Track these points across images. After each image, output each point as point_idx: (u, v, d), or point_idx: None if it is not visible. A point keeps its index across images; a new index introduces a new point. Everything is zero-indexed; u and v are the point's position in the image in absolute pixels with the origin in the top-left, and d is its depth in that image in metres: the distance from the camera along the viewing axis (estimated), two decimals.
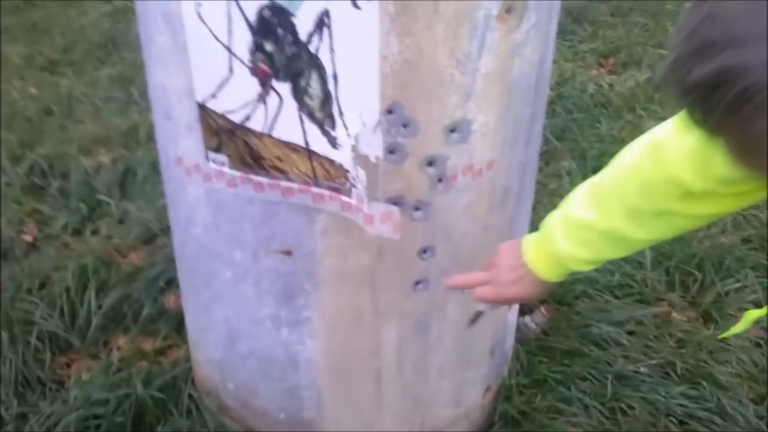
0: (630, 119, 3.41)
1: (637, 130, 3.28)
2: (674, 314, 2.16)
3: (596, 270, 2.28)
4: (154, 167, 2.82)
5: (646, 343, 1.99)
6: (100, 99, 3.46)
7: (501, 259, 1.21)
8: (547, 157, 3.00)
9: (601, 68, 4.14)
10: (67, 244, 2.36)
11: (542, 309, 1.97)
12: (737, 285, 2.25)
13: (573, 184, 2.86)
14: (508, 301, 1.24)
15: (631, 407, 1.79)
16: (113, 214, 2.49)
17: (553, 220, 1.15)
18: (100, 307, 2.03)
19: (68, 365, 1.94)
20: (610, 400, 1.79)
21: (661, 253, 2.39)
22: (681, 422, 1.75)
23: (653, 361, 1.92)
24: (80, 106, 3.41)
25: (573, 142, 3.15)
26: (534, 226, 1.25)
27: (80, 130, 3.12)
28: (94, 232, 2.42)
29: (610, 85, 3.79)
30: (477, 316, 1.33)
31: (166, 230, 2.40)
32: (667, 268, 2.33)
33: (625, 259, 2.37)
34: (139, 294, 2.08)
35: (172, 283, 2.11)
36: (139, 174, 2.73)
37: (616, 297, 2.20)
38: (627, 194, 1.05)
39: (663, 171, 0.98)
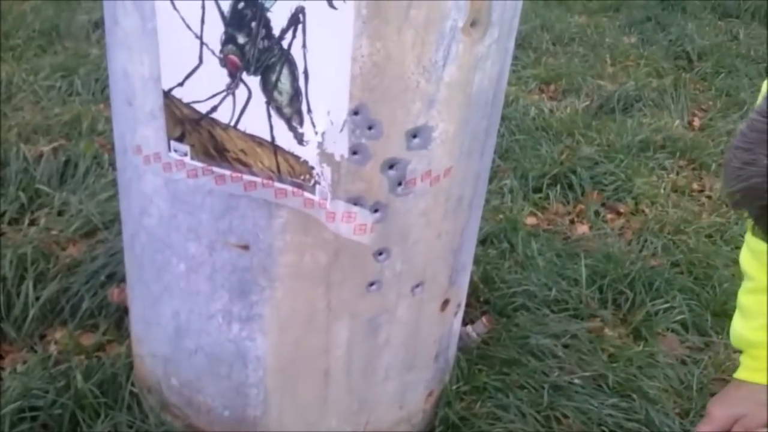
0: (569, 143, 3.53)
1: (575, 155, 3.42)
2: (606, 330, 2.25)
3: (535, 285, 2.35)
4: (97, 160, 2.75)
5: (580, 356, 2.06)
6: (42, 87, 3.36)
7: (732, 411, 1.21)
8: (490, 174, 3.08)
9: (543, 94, 4.29)
10: (3, 233, 2.27)
11: (483, 319, 2.02)
12: (665, 305, 2.36)
13: (514, 202, 2.96)
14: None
15: (566, 416, 1.85)
16: (53, 204, 2.42)
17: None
18: (37, 298, 1.96)
19: (1, 357, 1.87)
20: (545, 408, 1.85)
21: (596, 271, 2.48)
22: None
23: (587, 373, 1.99)
24: (20, 93, 3.30)
25: (515, 161, 3.25)
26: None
27: (20, 117, 3.02)
28: (33, 223, 2.34)
29: (551, 111, 3.92)
30: None
31: (108, 224, 2.35)
32: (600, 286, 2.43)
33: (562, 276, 2.45)
34: (78, 287, 2.03)
35: (113, 278, 2.07)
36: (80, 166, 2.66)
37: (553, 311, 2.27)
38: None
39: None
